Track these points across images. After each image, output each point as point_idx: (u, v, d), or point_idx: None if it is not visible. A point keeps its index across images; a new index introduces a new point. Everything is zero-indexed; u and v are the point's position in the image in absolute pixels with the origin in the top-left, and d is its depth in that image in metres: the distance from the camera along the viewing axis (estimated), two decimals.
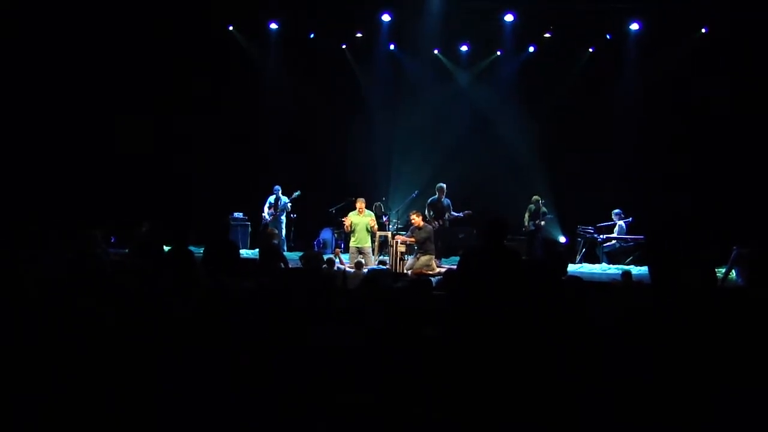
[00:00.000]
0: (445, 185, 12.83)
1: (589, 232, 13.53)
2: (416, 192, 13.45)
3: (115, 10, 12.94)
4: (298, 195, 13.49)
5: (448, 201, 12.84)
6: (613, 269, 12.18)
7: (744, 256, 10.00)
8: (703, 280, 2.49)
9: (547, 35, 14.65)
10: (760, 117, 12.73)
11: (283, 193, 13.52)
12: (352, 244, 11.66)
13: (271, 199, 13.53)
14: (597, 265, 12.90)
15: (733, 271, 10.52)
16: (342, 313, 4.39)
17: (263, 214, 13.52)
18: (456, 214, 12.82)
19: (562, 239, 14.15)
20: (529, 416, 2.96)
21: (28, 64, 12.75)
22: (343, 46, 15.61)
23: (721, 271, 10.97)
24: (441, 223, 12.59)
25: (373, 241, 11.95)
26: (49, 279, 5.88)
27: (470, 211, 12.79)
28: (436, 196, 12.82)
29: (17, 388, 3.00)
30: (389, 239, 12.09)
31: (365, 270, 10.07)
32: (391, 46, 15.45)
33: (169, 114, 14.33)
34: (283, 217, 13.62)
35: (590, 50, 15.05)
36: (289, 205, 13.55)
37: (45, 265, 6.70)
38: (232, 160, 14.85)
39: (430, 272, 10.50)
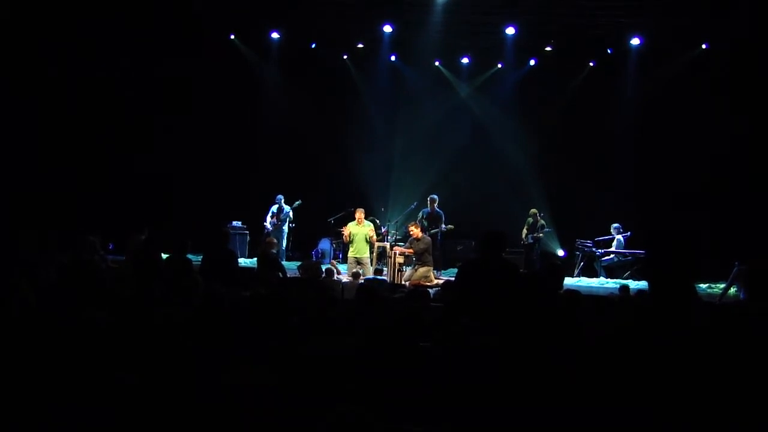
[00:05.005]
0: (437, 196, 12.83)
1: (588, 246, 13.51)
2: (415, 203, 13.45)
3: (117, 15, 12.96)
4: (299, 204, 13.53)
5: (440, 211, 12.82)
6: (611, 283, 12.17)
7: (744, 272, 9.98)
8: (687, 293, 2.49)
9: (548, 49, 14.70)
10: (760, 132, 12.75)
11: (285, 203, 13.54)
12: (350, 254, 11.65)
13: (274, 208, 13.56)
14: (595, 279, 12.90)
15: (734, 286, 10.50)
16: (339, 322, 4.38)
17: (265, 223, 13.52)
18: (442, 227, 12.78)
19: (561, 253, 14.14)
20: (523, 428, 2.96)
21: (30, 67, 12.77)
22: (345, 57, 15.68)
23: (720, 287, 10.98)
24: (435, 230, 12.57)
25: (371, 252, 11.93)
26: (46, 284, 5.86)
27: (452, 226, 12.75)
28: (429, 208, 12.80)
29: (12, 391, 3.00)
30: (387, 250, 12.07)
31: (362, 280, 10.04)
32: (392, 57, 15.52)
33: (169, 121, 14.35)
34: (285, 227, 13.64)
35: (591, 64, 15.12)
36: (291, 214, 13.57)
37: (43, 269, 6.68)
38: (232, 169, 14.87)
39: (429, 284, 10.46)
